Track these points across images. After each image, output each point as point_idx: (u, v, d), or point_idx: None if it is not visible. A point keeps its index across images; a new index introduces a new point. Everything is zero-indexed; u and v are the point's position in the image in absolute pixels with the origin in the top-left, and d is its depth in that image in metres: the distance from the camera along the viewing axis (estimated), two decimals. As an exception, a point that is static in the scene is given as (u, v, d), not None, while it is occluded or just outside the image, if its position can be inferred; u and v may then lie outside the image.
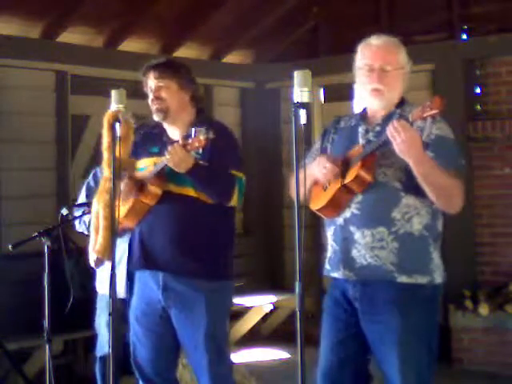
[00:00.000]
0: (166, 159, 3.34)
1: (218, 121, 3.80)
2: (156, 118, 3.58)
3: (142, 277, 3.57)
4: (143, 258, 3.52)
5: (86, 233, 4.29)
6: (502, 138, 6.06)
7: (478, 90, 6.31)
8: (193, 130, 3.35)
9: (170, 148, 3.33)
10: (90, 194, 4.32)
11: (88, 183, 4.40)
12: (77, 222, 4.31)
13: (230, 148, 3.52)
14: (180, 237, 3.43)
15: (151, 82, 3.60)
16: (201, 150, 3.38)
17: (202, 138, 3.24)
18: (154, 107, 3.57)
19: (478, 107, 6.30)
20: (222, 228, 3.51)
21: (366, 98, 3.03)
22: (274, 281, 6.98)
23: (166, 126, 3.61)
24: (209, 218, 3.44)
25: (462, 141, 6.03)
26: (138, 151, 3.62)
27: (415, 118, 2.76)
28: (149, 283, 3.51)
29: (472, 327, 5.79)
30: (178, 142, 3.38)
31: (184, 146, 3.30)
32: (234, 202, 3.44)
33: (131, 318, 3.60)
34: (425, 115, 2.73)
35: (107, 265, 4.27)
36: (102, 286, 4.37)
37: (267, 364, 5.84)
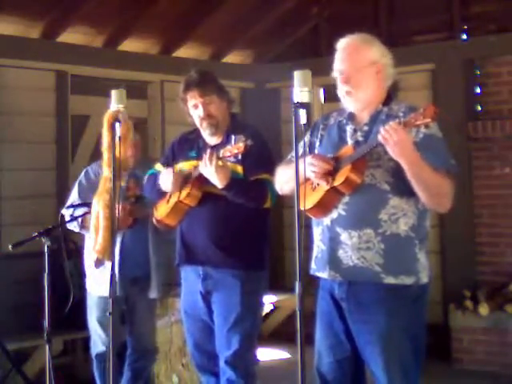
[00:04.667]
0: (201, 168, 3.51)
1: (251, 125, 3.95)
2: (208, 133, 3.73)
3: (186, 272, 3.79)
4: (185, 254, 3.74)
5: (76, 230, 4.29)
6: (502, 138, 6.06)
7: (478, 90, 6.31)
8: (233, 137, 3.62)
9: (204, 157, 3.49)
10: (82, 193, 4.34)
11: (80, 182, 4.41)
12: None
13: (263, 153, 3.66)
14: (218, 234, 3.63)
15: (195, 100, 3.71)
16: (240, 156, 3.56)
17: (241, 144, 3.39)
18: (204, 124, 3.71)
19: (478, 107, 6.31)
20: (257, 226, 3.72)
21: (343, 100, 3.06)
22: (274, 281, 6.96)
23: (202, 131, 3.77)
24: (245, 217, 3.63)
25: (462, 141, 6.05)
26: (176, 155, 3.83)
27: (407, 125, 2.73)
28: (191, 277, 3.73)
29: (472, 327, 5.79)
30: (213, 149, 3.55)
31: (220, 158, 3.47)
32: (268, 204, 3.63)
33: (181, 313, 3.87)
34: (417, 123, 2.71)
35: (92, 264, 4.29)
36: (91, 284, 4.37)
37: (267, 364, 5.83)
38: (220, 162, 3.45)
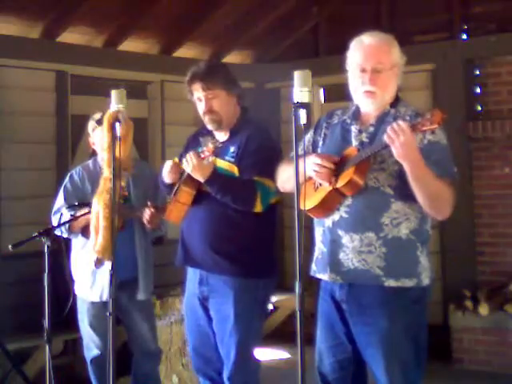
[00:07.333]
0: (184, 166, 3.49)
1: (258, 123, 3.76)
2: (210, 128, 3.66)
3: (188, 273, 3.75)
4: (183, 255, 3.69)
5: (65, 235, 4.25)
6: (502, 138, 6.06)
7: (478, 90, 6.31)
8: (200, 139, 3.53)
9: (186, 155, 3.45)
10: (68, 197, 4.31)
11: (65, 186, 4.37)
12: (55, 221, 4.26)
13: (260, 155, 3.52)
14: (213, 236, 3.55)
15: (199, 93, 3.61)
16: (237, 157, 3.51)
17: (210, 145, 3.36)
18: (206, 118, 3.63)
19: (478, 107, 6.30)
20: (257, 229, 3.57)
21: (359, 99, 2.99)
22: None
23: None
24: (243, 219, 3.53)
25: (462, 141, 6.05)
26: (188, 150, 3.72)
27: (414, 130, 2.69)
28: (191, 278, 3.70)
29: (472, 327, 5.79)
30: (194, 151, 3.50)
31: (199, 154, 3.43)
32: (258, 208, 3.49)
33: (184, 312, 3.84)
34: (424, 129, 2.68)
35: (84, 268, 4.27)
36: (80, 289, 4.35)
37: (267, 364, 5.83)
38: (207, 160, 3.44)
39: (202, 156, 3.41)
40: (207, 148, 3.39)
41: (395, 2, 6.85)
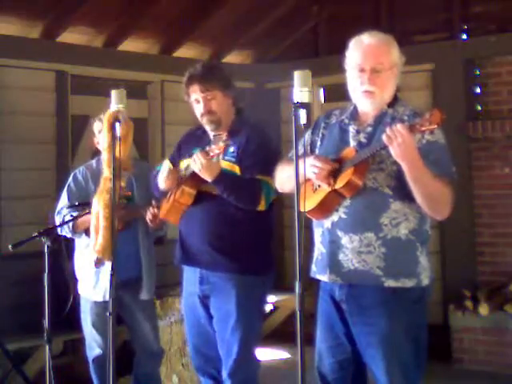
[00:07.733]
0: (191, 165, 3.49)
1: (255, 123, 3.80)
2: (209, 128, 3.69)
3: (186, 272, 3.76)
4: (182, 255, 3.70)
5: (69, 235, 4.26)
6: (502, 138, 6.06)
7: (478, 90, 6.31)
8: (211, 138, 3.57)
9: (194, 155, 3.46)
10: (71, 197, 4.31)
11: (69, 186, 4.38)
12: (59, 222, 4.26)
13: (261, 154, 3.56)
14: (213, 236, 3.57)
15: (197, 95, 3.66)
16: (237, 157, 3.54)
17: (221, 144, 3.39)
18: (204, 119, 3.66)
19: (478, 107, 6.31)
20: (255, 227, 3.61)
21: (358, 99, 2.98)
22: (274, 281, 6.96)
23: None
24: (241, 218, 3.56)
25: (461, 141, 6.05)
26: (181, 151, 3.78)
27: (413, 131, 2.68)
28: (190, 278, 3.70)
29: (472, 327, 5.79)
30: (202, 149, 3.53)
31: (207, 153, 3.44)
32: (262, 206, 3.54)
33: (183, 311, 3.84)
34: (423, 129, 2.67)
35: (87, 268, 4.28)
36: (84, 288, 4.35)
37: (267, 364, 5.83)
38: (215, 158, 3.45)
39: (212, 154, 3.42)
40: (217, 146, 3.40)
41: (395, 2, 6.85)
